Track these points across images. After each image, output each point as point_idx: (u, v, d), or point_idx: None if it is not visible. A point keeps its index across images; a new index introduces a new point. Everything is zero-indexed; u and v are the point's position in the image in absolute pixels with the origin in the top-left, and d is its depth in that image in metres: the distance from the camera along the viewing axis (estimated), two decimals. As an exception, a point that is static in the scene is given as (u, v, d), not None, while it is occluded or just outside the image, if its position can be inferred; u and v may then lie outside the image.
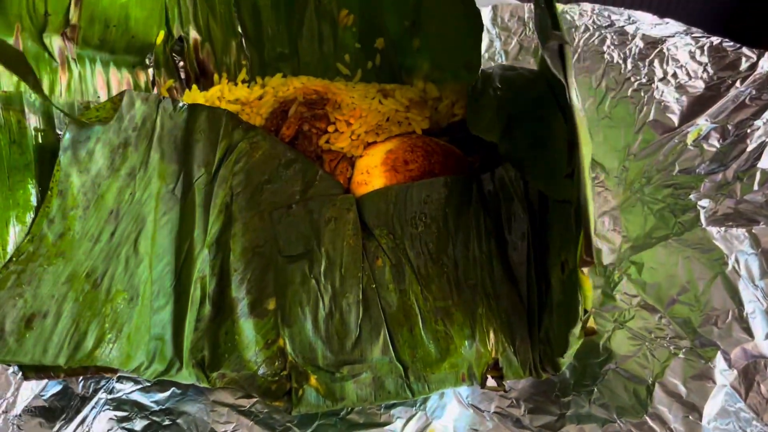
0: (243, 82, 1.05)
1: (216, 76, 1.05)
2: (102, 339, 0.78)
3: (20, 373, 0.81)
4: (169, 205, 0.87)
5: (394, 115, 0.96)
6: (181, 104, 0.90)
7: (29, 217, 0.85)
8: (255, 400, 0.89)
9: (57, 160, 0.87)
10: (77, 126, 0.86)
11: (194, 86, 1.03)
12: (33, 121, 0.90)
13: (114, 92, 1.02)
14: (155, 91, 1.03)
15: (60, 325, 0.78)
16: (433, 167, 0.89)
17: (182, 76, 1.03)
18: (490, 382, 0.84)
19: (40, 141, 0.90)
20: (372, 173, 0.90)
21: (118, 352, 0.78)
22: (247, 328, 0.84)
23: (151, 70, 1.03)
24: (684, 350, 0.81)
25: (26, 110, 0.91)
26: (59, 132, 0.92)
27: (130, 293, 0.80)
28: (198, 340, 0.84)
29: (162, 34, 0.99)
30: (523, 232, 0.84)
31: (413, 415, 0.86)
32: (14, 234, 0.84)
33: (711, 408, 0.77)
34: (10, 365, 0.82)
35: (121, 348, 0.78)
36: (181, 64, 1.03)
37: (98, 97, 1.00)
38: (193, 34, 1.02)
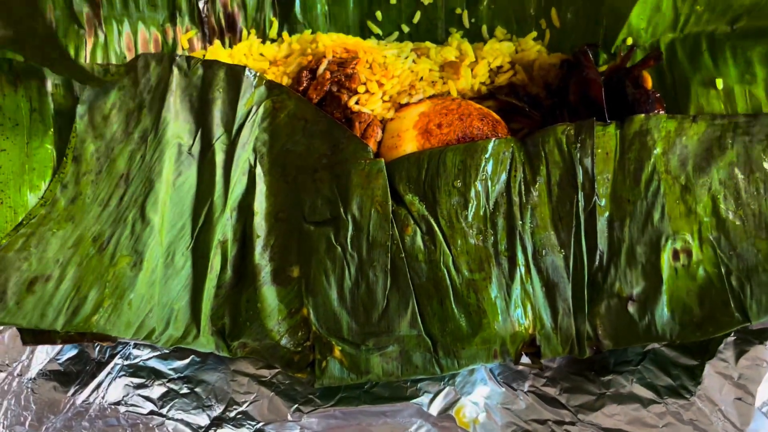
0: (272, 41, 1.01)
1: (245, 33, 1.01)
2: (101, 304, 0.75)
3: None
4: (185, 165, 0.83)
5: (428, 74, 0.91)
6: (195, 60, 0.86)
7: (44, 183, 0.84)
8: (276, 370, 0.85)
9: (73, 126, 0.85)
10: (93, 90, 0.85)
11: (217, 42, 0.99)
12: (51, 87, 0.88)
13: (141, 52, 0.99)
14: (179, 44, 0.99)
15: (61, 289, 0.75)
16: (469, 131, 0.84)
17: (206, 31, 1.00)
18: (524, 358, 0.80)
19: (60, 107, 0.89)
20: (403, 137, 0.86)
21: (117, 319, 0.75)
22: (269, 296, 0.81)
23: (179, 26, 1.00)
24: (737, 330, 0.75)
25: (45, 77, 0.88)
26: (78, 96, 0.90)
27: (134, 258, 0.77)
28: (218, 308, 0.81)
29: None
30: (571, 200, 0.79)
31: (441, 390, 0.83)
32: (29, 198, 0.83)
33: (765, 391, 0.73)
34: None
35: (120, 315, 0.75)
36: (206, 17, 0.99)
37: (124, 57, 0.97)
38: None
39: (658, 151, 0.79)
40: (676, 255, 0.77)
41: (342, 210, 0.80)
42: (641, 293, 0.76)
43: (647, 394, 0.77)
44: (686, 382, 0.76)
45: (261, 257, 0.82)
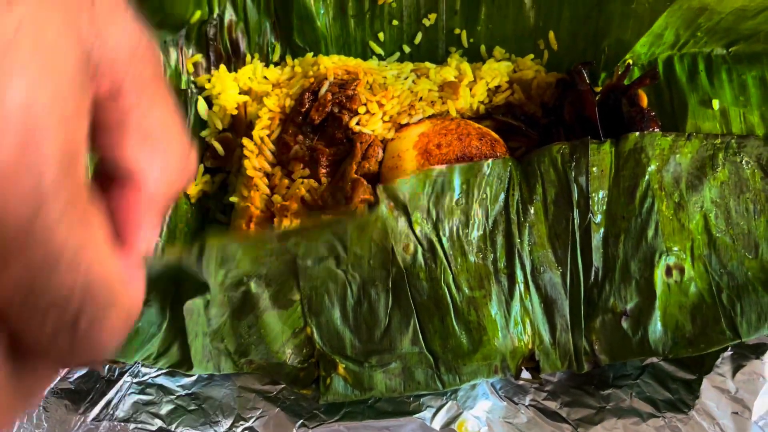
0: (275, 65, 1.03)
1: (248, 57, 1.03)
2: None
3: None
4: None
5: (428, 94, 0.93)
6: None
7: None
8: (281, 386, 0.87)
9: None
10: None
11: (222, 67, 1.01)
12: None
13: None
14: (182, 67, 1.00)
15: None
16: (468, 150, 0.85)
17: (211, 55, 1.01)
18: (525, 373, 0.81)
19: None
20: (404, 157, 0.87)
21: (128, 346, 0.77)
22: (272, 320, 0.82)
23: (181, 47, 1.01)
24: (733, 345, 0.76)
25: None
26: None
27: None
28: (215, 333, 0.82)
29: (198, 14, 0.98)
30: (567, 217, 0.80)
31: (443, 405, 0.84)
32: None
33: (761, 405, 0.73)
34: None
35: (131, 342, 0.77)
36: (212, 42, 1.00)
37: (127, 78, 0.99)
38: (229, 14, 1.00)
39: (652, 168, 0.80)
40: (668, 271, 0.78)
41: (341, 248, 0.80)
42: (635, 308, 0.78)
43: (646, 408, 0.78)
44: (684, 396, 0.77)
45: (257, 287, 0.82)
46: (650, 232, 0.78)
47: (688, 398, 0.76)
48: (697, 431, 0.75)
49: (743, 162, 0.81)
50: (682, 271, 0.77)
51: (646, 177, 0.80)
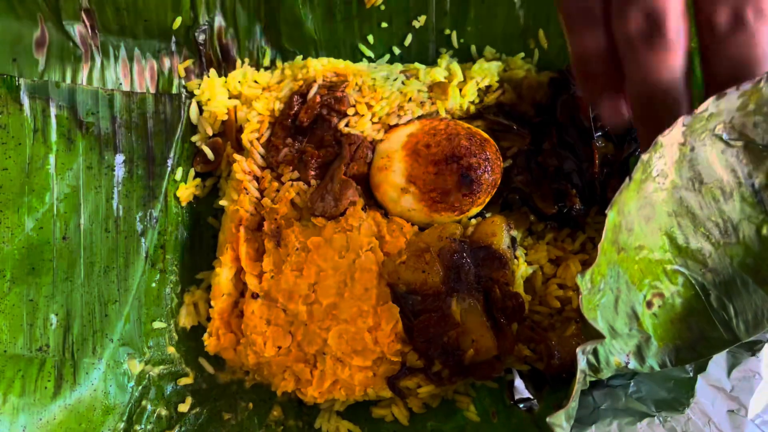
0: (266, 69, 1.03)
1: (238, 62, 1.02)
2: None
3: None
4: None
5: (417, 95, 0.92)
6: None
7: (42, 205, 0.87)
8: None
9: None
10: None
11: (213, 72, 1.00)
12: (56, 108, 0.92)
13: (136, 80, 1.00)
14: (174, 72, 1.00)
15: None
16: (458, 150, 0.85)
17: (202, 60, 1.01)
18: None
19: (63, 130, 0.92)
20: (393, 157, 0.87)
21: None
22: None
23: (176, 55, 1.01)
24: (729, 343, 0.75)
25: (51, 98, 0.92)
26: (82, 119, 0.93)
27: None
28: None
29: (179, 20, 0.97)
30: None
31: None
32: (26, 220, 0.87)
33: (757, 403, 0.72)
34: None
35: None
36: (203, 48, 1.00)
37: (120, 84, 0.99)
38: (219, 20, 1.00)
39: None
40: (649, 305, 0.68)
41: None
42: (635, 352, 0.69)
43: (641, 407, 0.76)
44: (679, 395, 0.75)
45: None
46: (623, 293, 0.68)
47: (683, 397, 0.75)
48: (693, 430, 0.73)
49: (694, 149, 0.66)
50: (661, 296, 0.69)
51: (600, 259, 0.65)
